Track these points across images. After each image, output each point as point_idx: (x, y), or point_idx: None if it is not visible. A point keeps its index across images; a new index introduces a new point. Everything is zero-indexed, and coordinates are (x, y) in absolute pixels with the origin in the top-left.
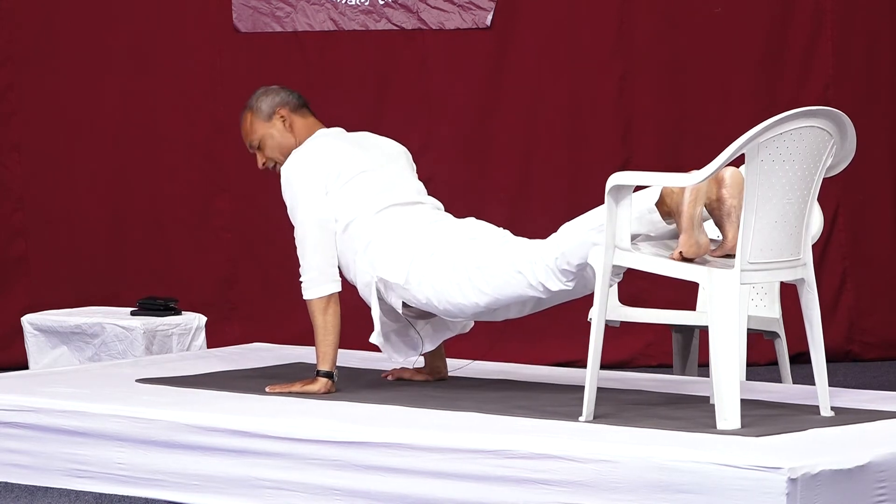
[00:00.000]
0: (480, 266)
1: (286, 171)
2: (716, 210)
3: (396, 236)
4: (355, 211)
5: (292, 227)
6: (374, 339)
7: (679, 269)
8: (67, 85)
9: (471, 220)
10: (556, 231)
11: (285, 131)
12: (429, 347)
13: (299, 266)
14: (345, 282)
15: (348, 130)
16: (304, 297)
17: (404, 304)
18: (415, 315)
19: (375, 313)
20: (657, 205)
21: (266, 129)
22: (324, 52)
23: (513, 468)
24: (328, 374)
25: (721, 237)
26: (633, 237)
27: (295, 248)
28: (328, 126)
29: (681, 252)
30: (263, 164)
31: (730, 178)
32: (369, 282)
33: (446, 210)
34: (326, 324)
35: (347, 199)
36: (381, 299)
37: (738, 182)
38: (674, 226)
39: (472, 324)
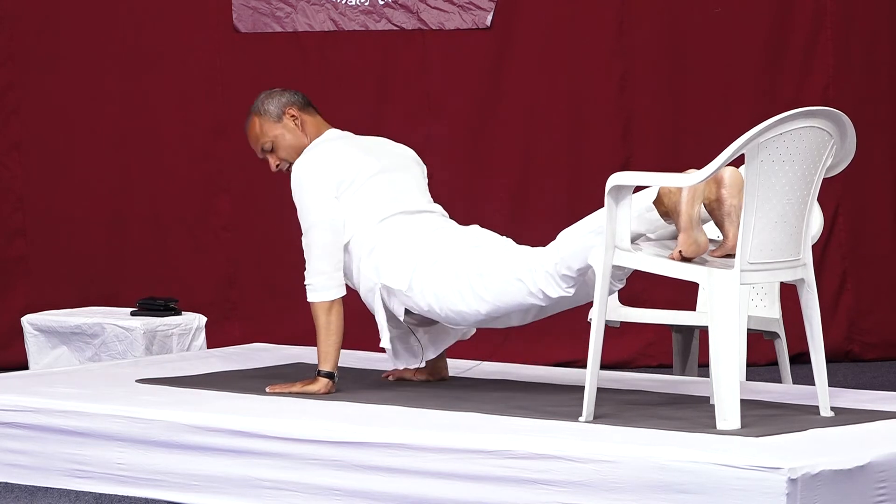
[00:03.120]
0: (482, 273)
1: (297, 173)
2: (716, 210)
3: (400, 244)
4: (362, 217)
5: (294, 227)
6: (385, 344)
7: (679, 269)
8: (67, 85)
9: (475, 227)
10: (555, 236)
11: (297, 130)
12: (430, 355)
13: (305, 268)
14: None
15: (348, 131)
16: (309, 300)
17: (407, 312)
18: (416, 322)
19: (381, 319)
20: (655, 204)
21: (278, 130)
22: (324, 52)
23: (513, 468)
24: (329, 375)
25: (721, 238)
26: (634, 237)
27: (300, 248)
28: (334, 126)
29: (680, 251)
30: (277, 166)
31: (729, 178)
32: (372, 287)
33: (447, 211)
34: (329, 324)
35: (355, 205)
36: (384, 306)
37: (738, 182)
38: (672, 226)
39: (474, 330)
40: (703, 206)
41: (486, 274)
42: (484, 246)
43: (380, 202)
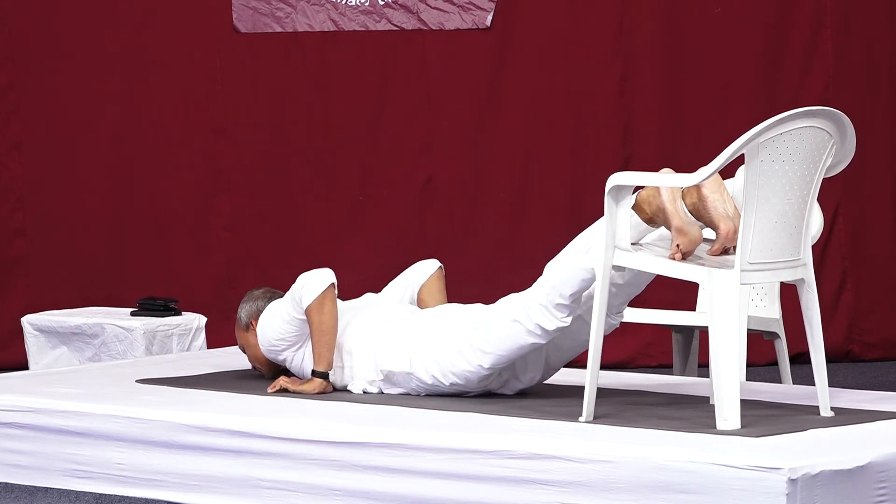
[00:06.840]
0: (478, 326)
1: (259, 327)
2: (701, 210)
3: (391, 331)
4: (343, 323)
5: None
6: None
7: (679, 269)
8: (67, 85)
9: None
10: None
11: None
12: None
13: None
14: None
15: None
16: (303, 306)
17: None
18: None
19: (357, 388)
20: (636, 211)
21: (245, 338)
22: (324, 52)
23: (513, 468)
24: (323, 375)
25: (715, 238)
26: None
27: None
28: None
29: (678, 245)
30: (253, 367)
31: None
32: (372, 382)
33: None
34: (322, 323)
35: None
36: None
37: (715, 178)
38: (659, 228)
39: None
40: (687, 211)
41: (482, 325)
42: (471, 307)
43: (354, 308)
